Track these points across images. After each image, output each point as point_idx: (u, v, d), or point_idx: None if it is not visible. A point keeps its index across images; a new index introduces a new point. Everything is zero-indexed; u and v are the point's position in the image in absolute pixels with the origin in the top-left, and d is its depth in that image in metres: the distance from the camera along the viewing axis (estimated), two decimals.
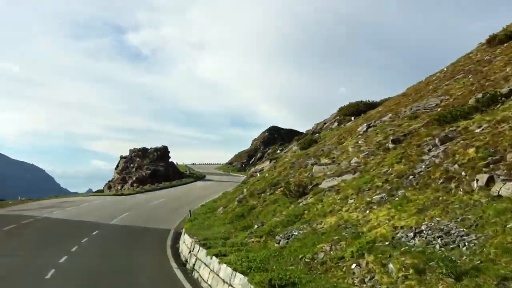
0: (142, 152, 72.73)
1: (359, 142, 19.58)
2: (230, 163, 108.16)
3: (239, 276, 10.13)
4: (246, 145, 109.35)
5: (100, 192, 50.78)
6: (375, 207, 11.56)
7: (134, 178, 63.63)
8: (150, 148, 73.81)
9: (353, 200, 12.97)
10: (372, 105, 38.29)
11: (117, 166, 71.10)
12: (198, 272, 13.78)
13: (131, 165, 69.83)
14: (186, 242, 17.32)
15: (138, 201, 38.13)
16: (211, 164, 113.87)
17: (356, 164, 16.59)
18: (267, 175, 25.97)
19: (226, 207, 24.20)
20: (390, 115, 21.71)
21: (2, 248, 18.21)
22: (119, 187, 52.10)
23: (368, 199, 12.28)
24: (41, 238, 20.17)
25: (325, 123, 43.25)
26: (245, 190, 25.31)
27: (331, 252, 9.98)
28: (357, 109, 39.18)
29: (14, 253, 16.96)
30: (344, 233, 10.73)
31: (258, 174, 31.02)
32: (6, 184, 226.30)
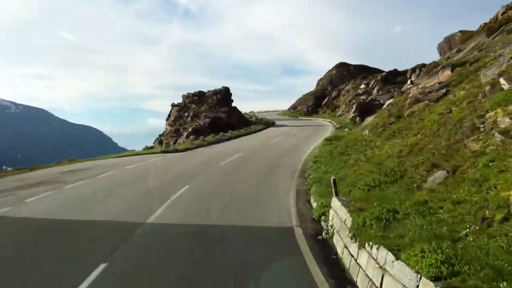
0: (199, 97, 58.15)
1: None
2: (294, 107, 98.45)
3: None
4: (300, 93, 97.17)
5: (151, 148, 36.80)
6: None
7: (189, 129, 49.58)
8: (208, 91, 58.99)
9: None
10: None
11: (169, 116, 57.33)
12: None
13: (185, 114, 55.74)
14: None
15: (202, 161, 23.43)
16: (270, 111, 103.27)
17: None
18: None
19: (418, 167, 8.65)
20: None
21: None
22: (172, 142, 38.18)
23: None
24: None
25: None
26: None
27: None
28: None
29: None
30: None
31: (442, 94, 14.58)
32: (59, 147, 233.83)
